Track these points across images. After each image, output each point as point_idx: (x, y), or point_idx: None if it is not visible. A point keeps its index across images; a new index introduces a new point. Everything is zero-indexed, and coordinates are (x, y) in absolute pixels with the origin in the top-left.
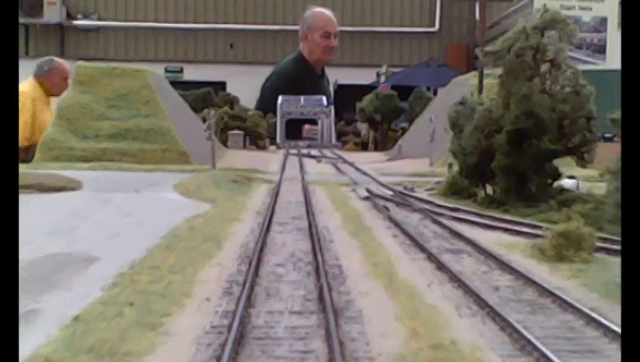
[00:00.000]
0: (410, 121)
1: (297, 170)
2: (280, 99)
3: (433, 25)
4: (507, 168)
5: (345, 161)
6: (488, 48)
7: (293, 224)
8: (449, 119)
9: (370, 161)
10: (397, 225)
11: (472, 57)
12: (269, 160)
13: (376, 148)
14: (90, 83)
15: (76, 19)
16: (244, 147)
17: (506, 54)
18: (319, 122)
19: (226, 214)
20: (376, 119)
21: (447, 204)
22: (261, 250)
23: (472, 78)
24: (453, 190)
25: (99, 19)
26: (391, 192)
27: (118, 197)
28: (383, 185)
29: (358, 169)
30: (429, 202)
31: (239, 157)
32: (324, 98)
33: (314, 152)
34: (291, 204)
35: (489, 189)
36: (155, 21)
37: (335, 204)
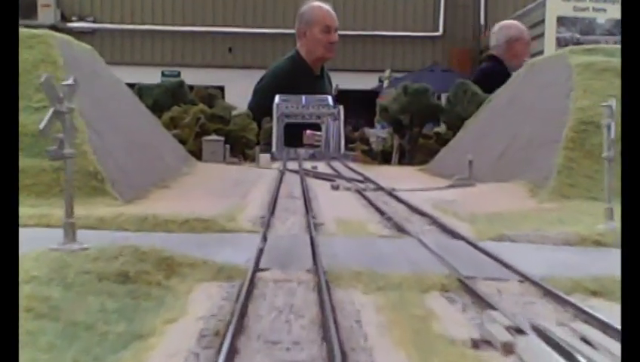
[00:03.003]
0: (451, 124)
1: (300, 216)
2: (277, 98)
3: (437, 29)
4: None
5: (378, 187)
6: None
7: None
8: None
9: (417, 185)
10: None
11: (477, 62)
12: (253, 185)
13: (401, 160)
14: None
15: (71, 21)
16: (225, 159)
17: None
18: (324, 127)
19: None
20: (403, 121)
21: None
22: None
23: (567, 54)
24: None
25: (94, 21)
26: None
27: None
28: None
29: (421, 213)
30: None
31: (203, 181)
32: (329, 97)
33: (320, 165)
34: None
35: None
36: (152, 24)
37: None
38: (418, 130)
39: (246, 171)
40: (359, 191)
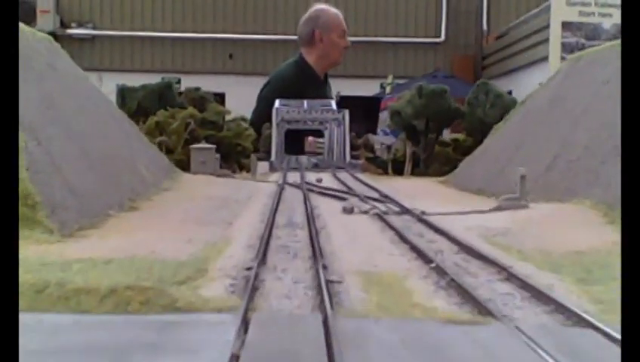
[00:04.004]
0: (471, 130)
1: (304, 263)
2: (277, 103)
3: (439, 35)
4: None
5: (402, 209)
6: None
7: None
8: None
9: (446, 204)
10: None
11: (480, 68)
12: (245, 205)
13: (414, 170)
14: None
15: (70, 27)
16: (215, 171)
17: None
18: (326, 133)
19: None
20: (417, 127)
21: None
22: None
23: (611, 47)
24: None
25: (94, 28)
26: None
27: None
28: None
29: (480, 256)
30: None
31: (184, 200)
32: (333, 102)
33: (325, 177)
34: None
35: None
36: (152, 30)
37: None
38: (435, 136)
39: (239, 185)
40: (380, 216)
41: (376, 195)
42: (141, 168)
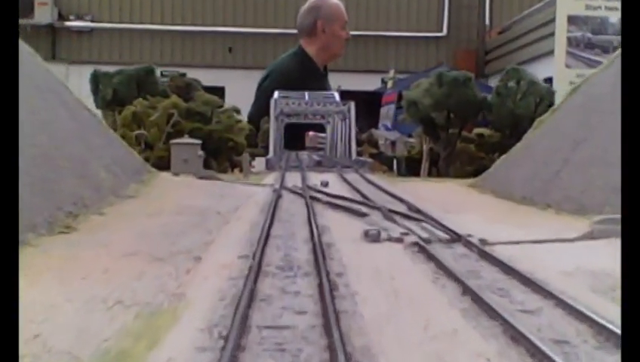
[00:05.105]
0: (499, 124)
1: None
2: (276, 94)
3: (441, 29)
4: None
5: (451, 235)
6: None
7: None
8: None
9: (505, 224)
10: None
11: (482, 63)
12: (226, 224)
13: (431, 170)
14: None
15: (69, 20)
16: (198, 171)
17: None
18: (329, 127)
19: None
20: (436, 120)
21: None
22: None
23: None
24: None
25: (92, 20)
26: None
27: None
28: None
29: None
30: None
31: (144, 215)
32: (336, 93)
33: (331, 178)
34: None
35: None
36: (151, 23)
37: None
38: (458, 131)
39: (225, 191)
40: (420, 246)
41: (400, 206)
42: (97, 170)
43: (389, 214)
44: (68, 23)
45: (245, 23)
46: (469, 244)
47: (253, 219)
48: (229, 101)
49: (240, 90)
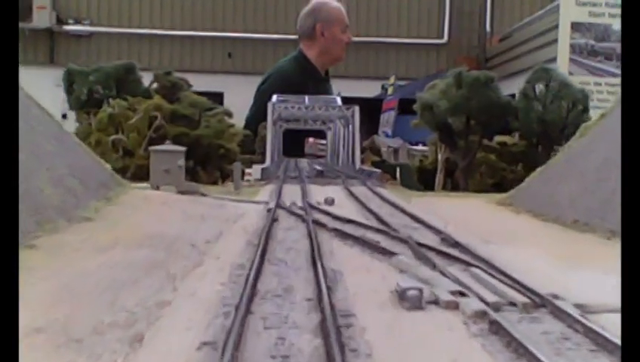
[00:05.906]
0: (526, 131)
1: None
2: (274, 98)
3: (442, 36)
4: None
5: (535, 300)
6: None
7: None
8: None
9: (573, 263)
10: None
11: (483, 69)
12: (199, 265)
13: (445, 182)
14: None
15: (67, 24)
16: (178, 184)
17: None
18: (329, 134)
19: None
20: (453, 126)
21: None
22: None
23: None
24: None
25: (91, 24)
26: None
27: None
28: None
29: None
30: None
31: (95, 249)
32: (338, 98)
33: (336, 193)
34: None
35: None
36: (150, 28)
37: None
38: (479, 138)
39: (206, 211)
40: (490, 318)
41: (429, 235)
42: (42, 184)
43: (419, 251)
44: (66, 27)
45: (245, 29)
46: (563, 315)
47: (235, 258)
48: (228, 106)
49: (239, 95)
